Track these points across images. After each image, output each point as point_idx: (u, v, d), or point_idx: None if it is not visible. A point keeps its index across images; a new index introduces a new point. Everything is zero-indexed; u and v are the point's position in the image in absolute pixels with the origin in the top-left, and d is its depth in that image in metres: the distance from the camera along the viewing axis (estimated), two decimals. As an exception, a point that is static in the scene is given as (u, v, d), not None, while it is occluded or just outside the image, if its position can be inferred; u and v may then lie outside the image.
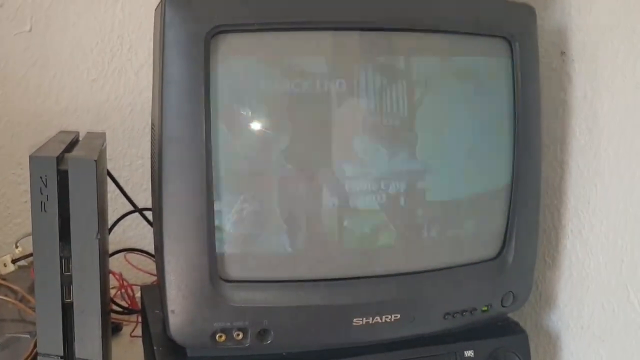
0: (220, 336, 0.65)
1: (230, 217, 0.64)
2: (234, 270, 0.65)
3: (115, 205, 1.04)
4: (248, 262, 0.65)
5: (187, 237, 0.63)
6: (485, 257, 0.73)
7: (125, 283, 1.03)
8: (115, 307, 1.00)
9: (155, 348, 0.70)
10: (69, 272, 0.61)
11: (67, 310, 0.61)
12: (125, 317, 1.01)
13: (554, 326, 0.82)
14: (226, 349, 0.66)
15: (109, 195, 0.99)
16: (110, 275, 1.02)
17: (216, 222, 0.63)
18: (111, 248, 1.04)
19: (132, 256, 1.06)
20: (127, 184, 1.09)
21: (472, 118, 0.71)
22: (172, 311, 0.64)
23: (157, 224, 0.66)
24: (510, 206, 0.73)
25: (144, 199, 1.09)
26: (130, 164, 1.12)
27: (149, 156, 0.79)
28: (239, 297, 0.64)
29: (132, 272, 1.05)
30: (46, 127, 1.05)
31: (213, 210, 0.63)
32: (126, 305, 1.02)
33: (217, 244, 0.64)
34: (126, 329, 0.99)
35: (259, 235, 0.65)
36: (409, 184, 0.68)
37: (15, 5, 1.03)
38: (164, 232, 0.63)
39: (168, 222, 0.63)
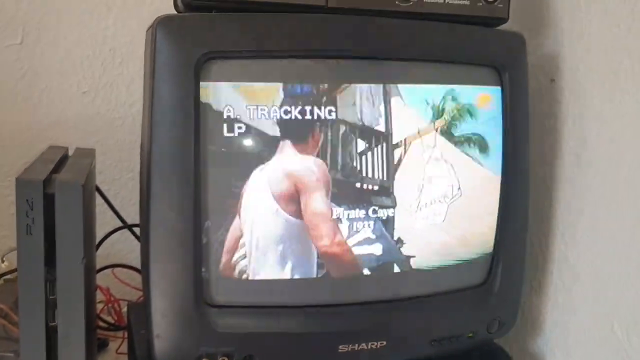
0: (205, 361, 0.64)
1: (216, 242, 0.64)
2: (219, 295, 0.65)
3: (105, 218, 1.04)
4: (234, 287, 0.65)
5: (173, 261, 0.63)
6: (471, 283, 0.73)
7: (112, 298, 1.03)
8: (101, 323, 1.00)
9: (140, 371, 0.70)
10: (54, 295, 0.60)
11: (51, 334, 0.61)
12: (112, 333, 1.00)
13: (539, 351, 0.83)
14: (211, 374, 0.65)
15: (97, 209, 0.99)
16: (98, 290, 1.02)
17: (203, 247, 0.63)
18: (99, 262, 1.03)
19: (119, 270, 1.05)
20: (116, 198, 1.09)
21: (460, 144, 0.71)
22: (157, 335, 0.64)
23: (144, 247, 0.66)
24: (497, 233, 0.73)
25: (133, 213, 1.08)
26: (120, 178, 1.12)
27: (139, 170, 0.79)
28: (225, 322, 0.64)
29: (119, 286, 1.04)
30: (35, 139, 1.05)
31: (200, 236, 0.63)
32: (113, 320, 1.01)
33: (203, 268, 0.63)
34: (112, 345, 0.98)
35: (245, 260, 0.65)
36: (395, 211, 0.68)
37: (7, 17, 1.02)
38: (151, 256, 0.63)
39: (154, 247, 0.63)
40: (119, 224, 1.00)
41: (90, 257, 0.78)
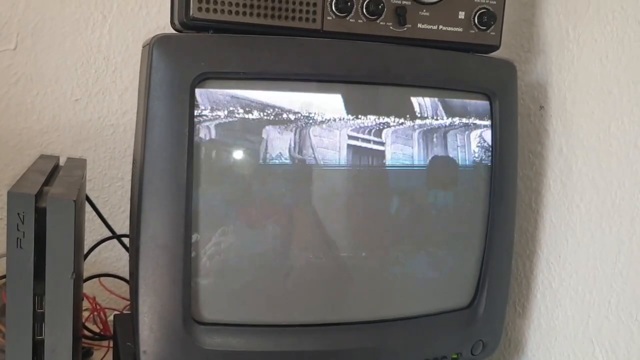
0: (191, 378, 0.65)
1: (205, 260, 0.64)
2: (207, 313, 0.65)
3: (93, 226, 1.04)
4: (222, 305, 0.66)
5: (163, 277, 0.63)
6: (457, 306, 0.74)
7: (98, 307, 1.03)
8: (86, 332, 0.99)
9: (125, 385, 0.70)
10: (42, 309, 0.60)
11: (38, 347, 0.61)
12: (97, 342, 1.00)
13: (521, 374, 0.84)
14: (197, 391, 0.66)
15: (86, 216, 0.99)
16: (84, 298, 1.02)
17: (192, 264, 0.64)
18: (86, 270, 1.03)
19: (106, 279, 1.05)
20: (105, 205, 1.09)
21: (449, 169, 0.72)
22: (144, 352, 0.64)
23: (133, 262, 0.66)
24: (483, 257, 0.74)
25: (122, 221, 1.09)
26: (110, 186, 1.12)
27: (129, 178, 0.79)
28: (211, 340, 0.65)
29: (105, 295, 1.04)
30: (27, 145, 1.05)
31: (189, 252, 0.63)
32: (98, 330, 1.01)
33: (192, 286, 0.64)
34: (97, 354, 0.98)
35: (233, 278, 0.65)
36: (384, 236, 0.69)
37: (1, 22, 1.02)
38: (140, 271, 0.63)
39: (144, 262, 0.63)
40: (108, 231, 1.00)
41: (78, 268, 0.78)
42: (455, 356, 0.74)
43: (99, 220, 1.00)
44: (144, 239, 0.63)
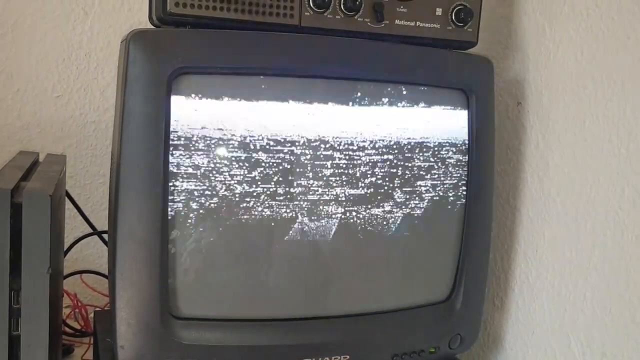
0: (169, 372, 0.65)
1: (183, 254, 0.64)
2: (185, 308, 0.65)
3: (74, 223, 1.04)
4: (199, 300, 0.66)
5: (140, 272, 0.63)
6: (434, 300, 0.75)
7: (79, 304, 1.03)
8: (67, 329, 0.99)
9: (103, 381, 0.70)
10: (18, 304, 0.60)
11: (14, 343, 0.61)
12: (78, 339, 1.00)
13: (499, 367, 0.85)
14: (175, 385, 0.66)
15: (67, 214, 0.99)
16: (64, 295, 1.01)
17: (169, 259, 0.64)
18: (67, 267, 1.03)
19: (87, 276, 1.05)
20: (87, 203, 1.09)
21: (425, 164, 0.72)
22: (122, 347, 0.64)
23: (110, 257, 0.66)
24: (461, 251, 0.75)
25: (104, 218, 1.08)
26: (92, 183, 1.12)
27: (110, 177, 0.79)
28: (189, 335, 0.65)
29: (87, 292, 1.04)
30: (7, 142, 1.04)
31: (167, 248, 0.63)
32: (79, 326, 1.01)
33: (169, 280, 0.64)
34: (78, 351, 0.98)
35: (211, 273, 0.66)
36: (361, 229, 0.69)
37: (-19, 18, 1.02)
38: (117, 266, 0.63)
39: (121, 257, 0.63)
40: (89, 228, 1.00)
41: (56, 264, 0.77)
42: (432, 350, 0.74)
43: (81, 218, 1.00)
44: (121, 234, 0.63)
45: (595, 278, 0.72)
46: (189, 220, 0.65)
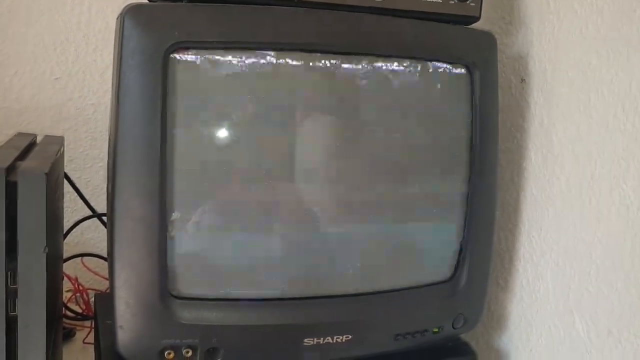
0: (169, 353, 0.64)
1: (182, 232, 0.63)
2: (184, 287, 0.65)
3: (75, 206, 1.03)
4: (199, 280, 0.65)
5: (138, 251, 0.62)
6: (437, 279, 0.74)
7: (80, 287, 1.02)
8: (68, 313, 0.99)
9: (103, 361, 0.69)
10: (15, 284, 0.59)
11: (11, 324, 0.60)
12: (79, 322, 0.99)
13: (504, 347, 0.84)
14: (175, 366, 0.65)
15: (68, 197, 0.98)
16: (66, 279, 1.01)
17: (168, 238, 0.63)
18: (68, 251, 1.03)
19: (89, 260, 1.04)
20: (87, 186, 1.08)
21: (429, 142, 0.71)
22: (121, 327, 0.63)
23: (109, 236, 0.65)
24: (464, 230, 0.74)
25: (104, 201, 1.07)
26: (92, 166, 1.11)
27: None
28: (189, 314, 0.64)
29: (88, 275, 1.04)
30: (5, 125, 1.03)
31: (166, 227, 0.62)
32: (80, 310, 1.01)
33: (168, 259, 0.63)
34: (80, 335, 0.98)
35: (211, 252, 0.65)
36: (363, 207, 0.68)
37: (-23, 0, 1.01)
38: (115, 245, 0.62)
39: (119, 236, 0.62)
40: (90, 212, 0.99)
41: (55, 246, 0.77)
42: (436, 330, 0.74)
43: (81, 202, 0.99)
44: (119, 212, 0.62)
45: (600, 255, 0.70)
46: (188, 198, 0.64)
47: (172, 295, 0.64)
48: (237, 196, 0.64)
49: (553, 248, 0.77)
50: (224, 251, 0.65)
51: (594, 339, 0.71)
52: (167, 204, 0.62)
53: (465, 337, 0.80)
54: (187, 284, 0.64)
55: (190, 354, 0.65)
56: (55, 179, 0.72)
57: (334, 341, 0.68)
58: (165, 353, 0.64)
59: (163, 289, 0.63)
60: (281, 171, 0.65)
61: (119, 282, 0.63)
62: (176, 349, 0.64)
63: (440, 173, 0.72)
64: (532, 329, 0.79)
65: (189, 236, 0.64)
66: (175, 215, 0.63)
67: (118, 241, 0.62)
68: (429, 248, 0.73)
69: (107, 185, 0.70)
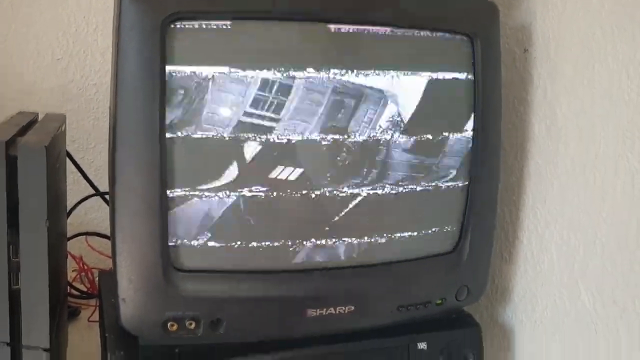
0: (172, 325, 0.64)
1: (184, 204, 0.63)
2: (187, 260, 0.65)
3: (79, 187, 1.03)
4: (202, 253, 0.65)
5: (140, 224, 0.62)
6: (441, 251, 0.74)
7: (85, 267, 1.03)
8: (73, 291, 0.99)
9: (107, 335, 0.70)
10: (17, 258, 0.60)
11: (15, 297, 0.60)
12: (84, 301, 1.00)
13: (508, 320, 0.84)
14: (178, 338, 0.66)
15: (71, 177, 0.98)
16: (71, 258, 1.01)
17: (170, 210, 0.63)
18: (72, 230, 1.03)
19: (93, 239, 1.05)
20: (90, 167, 1.08)
21: (431, 113, 0.71)
22: (123, 300, 0.64)
23: (111, 211, 0.65)
24: (467, 201, 0.73)
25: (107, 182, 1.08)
26: (95, 147, 1.11)
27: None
28: (192, 287, 0.64)
29: (93, 255, 1.04)
30: (7, 106, 1.03)
31: (167, 197, 0.62)
32: (85, 289, 1.01)
33: (170, 232, 0.63)
34: (85, 313, 0.98)
35: (213, 225, 0.65)
36: (366, 176, 0.68)
37: (-23, -19, 1.00)
38: (116, 219, 0.62)
39: (120, 209, 0.62)
40: (93, 191, 1.00)
41: (58, 223, 0.77)
42: (439, 302, 0.73)
43: (85, 182, 0.99)
44: (120, 186, 0.62)
45: (605, 226, 0.70)
46: (189, 171, 0.63)
47: (175, 268, 0.64)
48: (239, 165, 0.64)
49: (557, 220, 0.76)
50: (227, 223, 0.65)
51: (600, 309, 0.71)
52: (168, 177, 0.62)
53: (468, 310, 0.80)
54: (189, 257, 0.65)
55: (193, 325, 0.65)
56: (56, 155, 0.72)
57: (337, 312, 0.68)
58: (169, 325, 0.64)
59: (165, 262, 0.63)
60: (283, 134, 0.64)
61: (120, 257, 0.63)
62: (179, 321, 0.64)
63: (442, 144, 0.71)
64: (537, 301, 0.79)
65: (191, 210, 0.64)
66: (175, 189, 0.63)
67: (119, 216, 0.62)
68: (431, 218, 0.73)
69: (108, 160, 0.70)
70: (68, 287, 0.96)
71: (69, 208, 0.96)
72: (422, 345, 0.73)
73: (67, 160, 0.90)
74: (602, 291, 0.70)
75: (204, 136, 0.63)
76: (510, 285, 0.83)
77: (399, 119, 0.68)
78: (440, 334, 0.74)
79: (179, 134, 0.62)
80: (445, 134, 0.71)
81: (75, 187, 1.04)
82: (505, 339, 0.84)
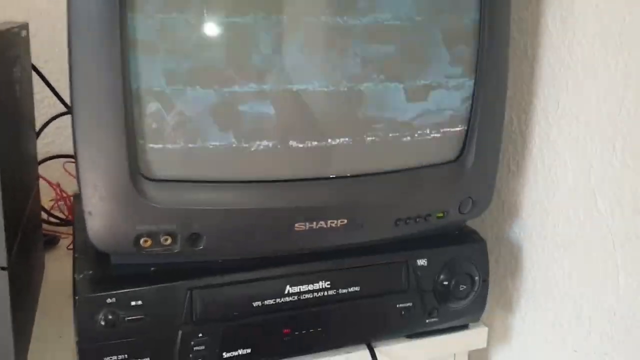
0: (146, 241, 0.58)
1: (151, 102, 0.56)
2: (158, 167, 0.57)
3: (55, 111, 0.96)
4: (175, 158, 0.58)
5: (103, 127, 0.55)
6: (443, 159, 0.67)
7: (63, 194, 0.96)
8: (51, 219, 0.93)
9: (76, 256, 0.63)
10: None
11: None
12: (64, 229, 0.94)
13: (515, 237, 0.77)
14: (153, 255, 0.59)
15: (41, 95, 0.91)
16: (47, 185, 0.95)
17: (135, 107, 0.55)
18: (45, 153, 0.97)
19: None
20: (66, 88, 1.00)
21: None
22: (89, 213, 0.57)
23: (72, 108, 0.57)
24: (472, 104, 0.66)
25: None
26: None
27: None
28: (165, 197, 0.57)
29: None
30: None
31: (132, 99, 0.55)
32: (64, 216, 0.95)
33: (137, 134, 0.56)
34: (64, 242, 0.93)
35: (187, 125, 0.57)
36: (361, 68, 0.60)
37: None
38: (77, 121, 0.55)
39: (80, 110, 0.55)
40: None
41: (19, 137, 0.70)
42: (440, 215, 0.67)
43: (56, 99, 0.91)
44: (78, 83, 0.54)
45: (626, 124, 0.63)
46: (154, 55, 0.55)
47: (145, 177, 0.57)
48: (225, 77, 0.56)
49: (572, 124, 0.69)
50: (202, 124, 0.57)
51: (619, 220, 0.64)
52: (131, 67, 0.54)
53: (473, 226, 0.74)
54: (160, 163, 0.57)
55: (169, 241, 0.59)
56: (13, 56, 0.65)
57: (328, 226, 0.62)
58: (142, 241, 0.58)
59: (133, 169, 0.56)
60: (271, 28, 0.56)
61: (83, 162, 0.56)
62: (153, 235, 0.58)
63: (448, 38, 0.63)
64: (548, 216, 0.73)
65: (160, 105, 0.56)
66: (139, 85, 0.55)
67: (79, 116, 0.55)
68: (432, 123, 0.65)
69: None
70: (43, 214, 0.90)
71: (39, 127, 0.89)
72: (422, 262, 0.67)
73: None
74: (622, 197, 0.64)
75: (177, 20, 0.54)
76: (519, 199, 0.76)
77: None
78: (443, 249, 0.68)
79: (142, 15, 0.54)
80: (452, 24, 0.63)
81: (42, 106, 0.98)
82: (512, 257, 0.78)
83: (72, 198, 0.96)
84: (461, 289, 0.68)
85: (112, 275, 0.60)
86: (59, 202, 0.96)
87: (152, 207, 0.57)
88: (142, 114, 0.56)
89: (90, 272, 0.60)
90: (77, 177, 0.57)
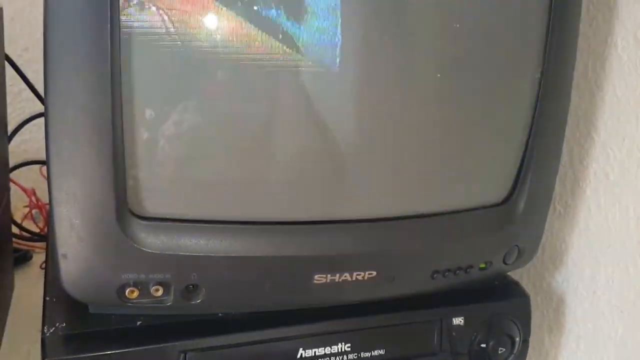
0: (132, 291, 0.47)
1: (144, 126, 0.45)
2: (152, 203, 0.47)
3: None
4: (172, 193, 0.47)
5: (85, 152, 0.44)
6: (488, 202, 0.57)
7: (38, 202, 0.85)
8: (24, 233, 0.82)
9: (47, 299, 0.53)
10: None
11: None
12: (38, 244, 0.83)
13: (558, 288, 0.68)
14: (141, 307, 0.49)
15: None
16: (20, 191, 0.84)
17: (125, 131, 0.44)
18: (18, 158, 0.86)
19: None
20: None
21: (490, 23, 0.52)
22: (64, 255, 0.46)
23: (46, 129, 0.46)
24: (529, 136, 0.55)
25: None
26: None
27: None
28: (158, 240, 0.47)
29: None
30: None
31: (121, 120, 0.44)
32: (38, 229, 0.84)
33: (128, 160, 0.45)
34: (38, 258, 0.82)
35: (189, 152, 0.47)
36: (396, 100, 0.50)
37: None
38: (51, 144, 0.44)
39: (56, 129, 0.44)
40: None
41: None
42: (483, 266, 0.57)
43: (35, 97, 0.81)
44: (54, 97, 0.43)
45: None
46: (154, 78, 0.45)
47: (134, 214, 0.46)
48: (231, 96, 0.46)
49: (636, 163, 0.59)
50: (206, 155, 0.47)
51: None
52: (124, 84, 0.43)
53: (512, 275, 0.64)
54: (154, 198, 0.47)
55: (160, 292, 0.48)
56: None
57: (354, 279, 0.51)
58: (127, 291, 0.47)
59: (120, 205, 0.45)
60: (282, 41, 0.46)
61: (58, 194, 0.45)
62: (141, 285, 0.47)
63: (504, 63, 0.53)
64: (600, 266, 0.63)
65: (155, 131, 0.45)
66: (132, 102, 0.44)
67: (54, 135, 0.44)
68: (479, 161, 0.55)
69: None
70: (13, 226, 0.79)
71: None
72: (458, 321, 0.57)
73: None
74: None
75: (174, 25, 0.44)
76: (565, 245, 0.67)
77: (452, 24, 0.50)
78: (482, 305, 0.58)
79: (137, 18, 0.43)
80: (508, 49, 0.53)
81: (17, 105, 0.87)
82: (552, 310, 0.68)
83: (47, 207, 0.85)
84: (500, 352, 0.59)
85: (88, 330, 0.49)
86: (34, 210, 0.85)
87: (141, 252, 0.46)
88: (135, 135, 0.45)
89: (64, 324, 0.49)
90: (50, 212, 0.46)
